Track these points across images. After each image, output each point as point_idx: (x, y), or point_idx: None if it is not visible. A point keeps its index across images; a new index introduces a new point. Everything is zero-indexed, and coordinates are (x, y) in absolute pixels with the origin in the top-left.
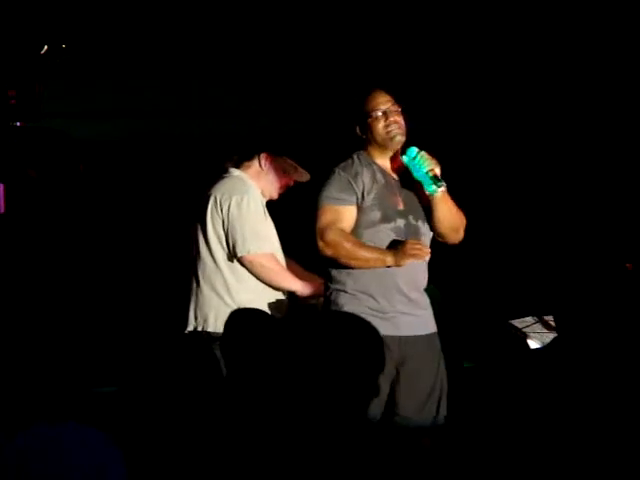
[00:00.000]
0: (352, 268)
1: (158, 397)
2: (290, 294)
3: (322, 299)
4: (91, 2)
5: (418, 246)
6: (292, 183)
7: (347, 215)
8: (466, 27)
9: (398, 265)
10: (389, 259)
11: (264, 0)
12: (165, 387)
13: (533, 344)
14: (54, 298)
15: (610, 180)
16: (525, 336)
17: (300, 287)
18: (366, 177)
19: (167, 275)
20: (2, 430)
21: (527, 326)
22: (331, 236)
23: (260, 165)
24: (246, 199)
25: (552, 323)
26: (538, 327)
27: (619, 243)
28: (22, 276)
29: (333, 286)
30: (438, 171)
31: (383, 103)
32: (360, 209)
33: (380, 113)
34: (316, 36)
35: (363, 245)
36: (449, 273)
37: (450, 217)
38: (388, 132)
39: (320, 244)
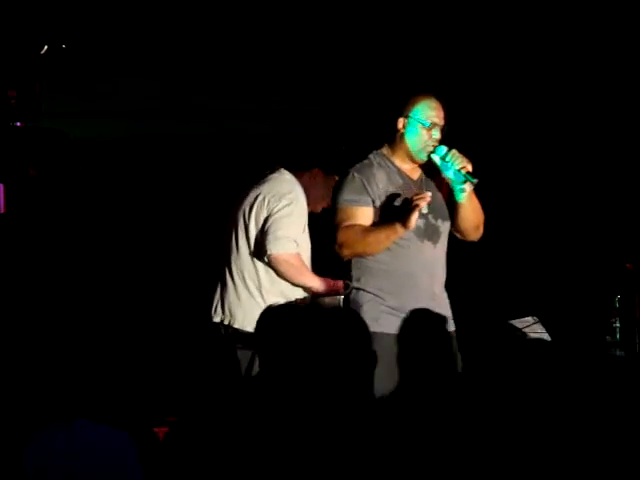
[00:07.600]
0: (377, 264)
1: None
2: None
3: (339, 298)
4: (91, 2)
5: (417, 197)
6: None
7: (360, 215)
8: (468, 27)
9: (409, 226)
10: (398, 226)
11: (261, 1)
12: (186, 378)
13: None
14: (54, 298)
15: (610, 180)
16: (525, 336)
17: (318, 284)
18: (381, 180)
19: (167, 275)
20: (19, 433)
21: (527, 326)
22: (340, 237)
23: (310, 178)
24: (294, 205)
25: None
26: (538, 327)
27: (619, 243)
28: (22, 276)
29: (354, 285)
30: (470, 168)
31: (439, 118)
32: (377, 210)
33: (434, 125)
34: (318, 37)
35: (370, 229)
36: (449, 273)
37: (474, 215)
38: (425, 147)
39: (336, 248)
